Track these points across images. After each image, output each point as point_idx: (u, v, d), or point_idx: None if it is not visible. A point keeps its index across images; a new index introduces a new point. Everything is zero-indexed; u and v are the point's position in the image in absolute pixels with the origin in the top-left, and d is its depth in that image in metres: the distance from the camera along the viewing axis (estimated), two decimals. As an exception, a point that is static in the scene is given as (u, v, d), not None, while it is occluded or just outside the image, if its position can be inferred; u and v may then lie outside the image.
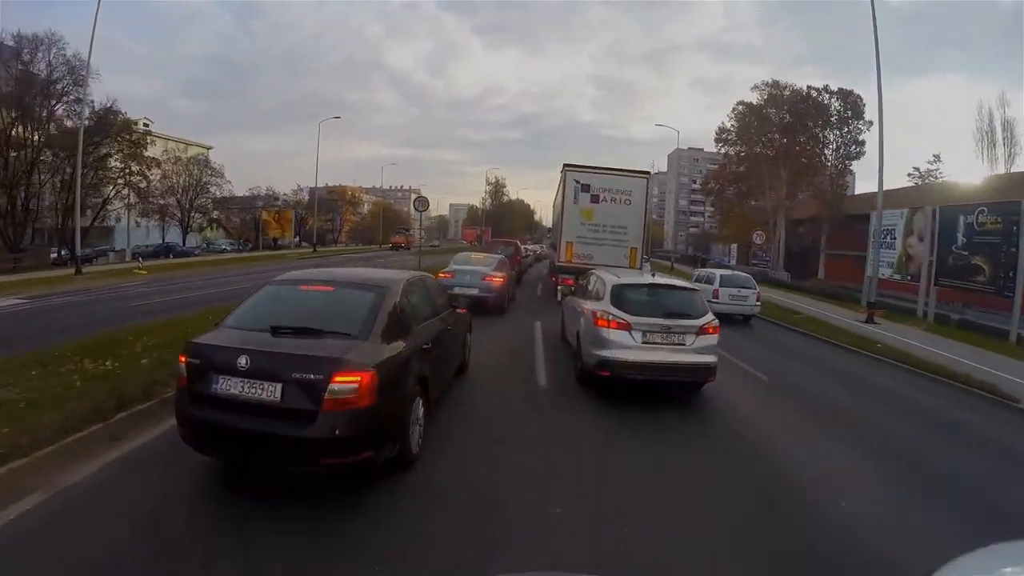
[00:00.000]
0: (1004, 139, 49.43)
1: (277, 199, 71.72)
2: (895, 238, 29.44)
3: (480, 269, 17.07)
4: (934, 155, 69.00)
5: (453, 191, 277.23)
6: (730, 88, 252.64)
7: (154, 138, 49.15)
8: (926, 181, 53.91)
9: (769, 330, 19.25)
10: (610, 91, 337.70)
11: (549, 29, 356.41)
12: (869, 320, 21.40)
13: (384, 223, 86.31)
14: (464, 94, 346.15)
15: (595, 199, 18.80)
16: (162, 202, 53.85)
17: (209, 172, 58.95)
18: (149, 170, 45.93)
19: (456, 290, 14.31)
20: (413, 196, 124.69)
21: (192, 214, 58.01)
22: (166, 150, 54.15)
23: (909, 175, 59.04)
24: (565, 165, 19.08)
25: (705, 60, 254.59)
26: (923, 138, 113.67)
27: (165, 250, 50.84)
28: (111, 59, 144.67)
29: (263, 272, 26.42)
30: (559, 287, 17.46)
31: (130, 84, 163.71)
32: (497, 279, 16.87)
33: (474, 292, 15.78)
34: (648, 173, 19.97)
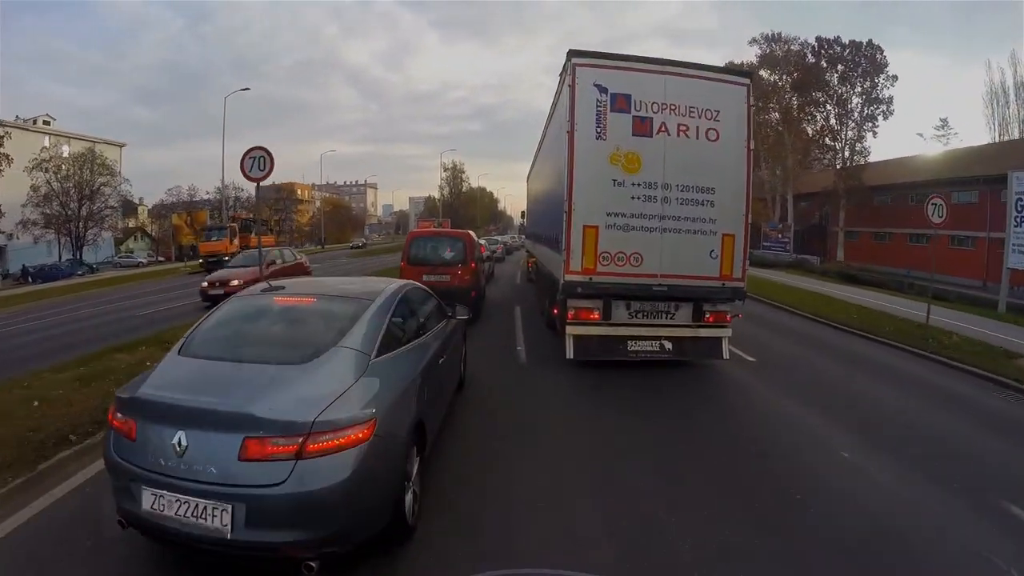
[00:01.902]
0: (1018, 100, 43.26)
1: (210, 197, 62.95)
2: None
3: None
4: (941, 119, 61.74)
5: (416, 185, 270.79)
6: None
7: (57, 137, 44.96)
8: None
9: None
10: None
11: (504, 21, 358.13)
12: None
13: (334, 221, 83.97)
14: (423, 88, 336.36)
15: (643, 127, 8.21)
16: (46, 212, 44.48)
17: (101, 171, 47.82)
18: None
19: None
20: (370, 191, 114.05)
21: (83, 224, 47.58)
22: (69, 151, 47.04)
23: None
24: (571, 53, 8.26)
25: (662, 46, 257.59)
26: (921, 105, 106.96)
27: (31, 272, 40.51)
28: (63, 71, 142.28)
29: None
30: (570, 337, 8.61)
31: (83, 95, 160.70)
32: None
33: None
34: (750, 75, 9.20)
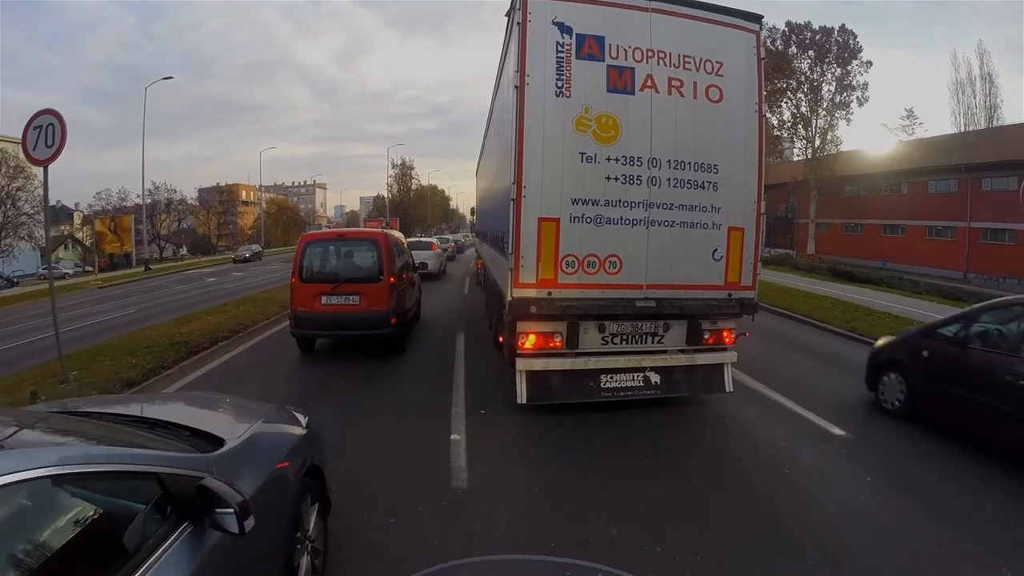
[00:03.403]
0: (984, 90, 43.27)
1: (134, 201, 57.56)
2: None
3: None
4: (907, 109, 60.96)
5: (369, 185, 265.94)
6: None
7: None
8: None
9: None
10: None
11: (461, 18, 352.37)
12: None
13: (279, 224, 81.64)
14: (376, 87, 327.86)
15: (622, 81, 5.92)
16: None
17: (14, 174, 42.49)
18: None
19: None
20: (319, 192, 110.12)
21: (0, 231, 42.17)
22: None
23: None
24: None
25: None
26: (884, 97, 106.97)
27: None
28: (7, 71, 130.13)
29: None
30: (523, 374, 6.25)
31: (32, 96, 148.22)
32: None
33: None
34: (760, 19, 6.91)
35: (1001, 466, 5.22)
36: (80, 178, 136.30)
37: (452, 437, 5.65)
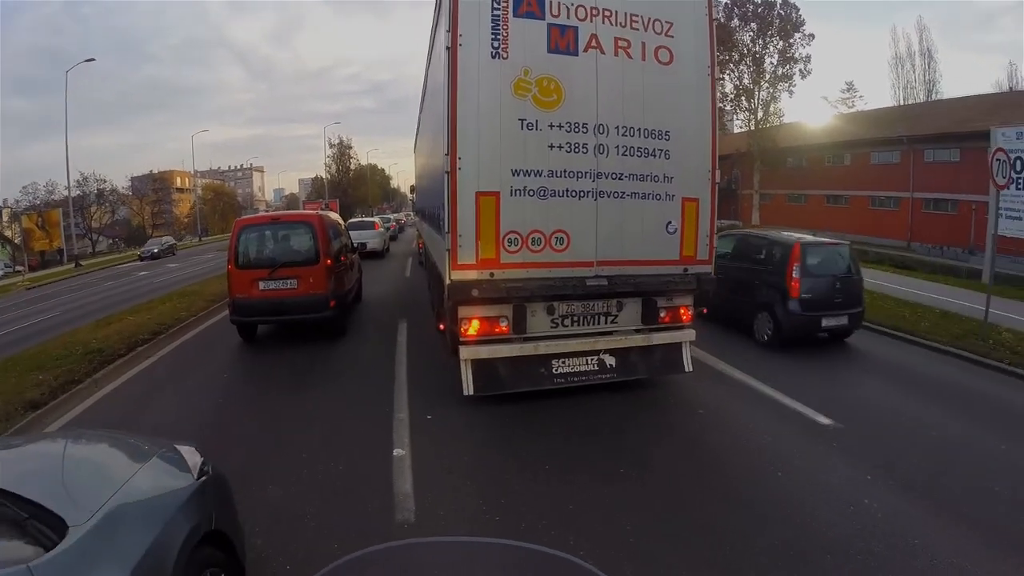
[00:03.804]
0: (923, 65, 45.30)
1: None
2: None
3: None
4: (847, 83, 61.88)
5: (308, 166, 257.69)
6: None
7: None
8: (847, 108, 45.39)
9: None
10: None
11: None
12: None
13: (217, 210, 78.38)
14: (314, 65, 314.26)
15: (564, 41, 5.44)
16: None
17: None
18: None
19: None
20: (256, 175, 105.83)
21: None
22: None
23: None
24: None
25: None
26: (827, 70, 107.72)
27: None
28: None
29: None
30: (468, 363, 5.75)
31: None
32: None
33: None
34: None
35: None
36: (9, 172, 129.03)
37: (395, 452, 4.88)
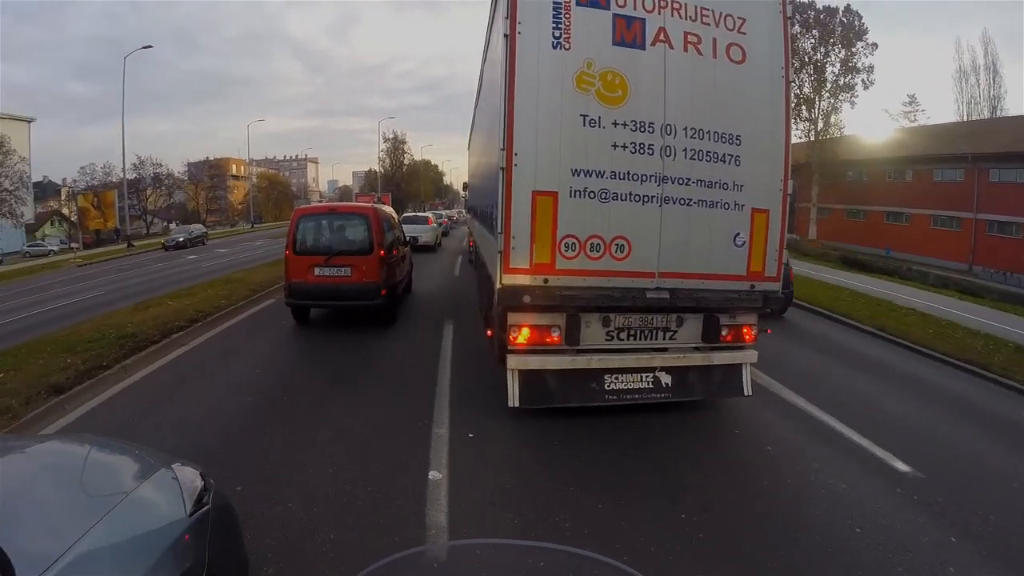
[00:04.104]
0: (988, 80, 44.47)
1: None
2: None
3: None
4: (909, 96, 59.61)
5: (362, 160, 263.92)
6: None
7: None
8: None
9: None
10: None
11: None
12: None
13: (270, 198, 79.94)
14: (370, 61, 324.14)
15: (631, 33, 4.99)
16: None
17: None
18: None
19: None
20: (311, 166, 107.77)
21: None
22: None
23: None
24: None
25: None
26: (886, 82, 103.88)
27: None
28: None
29: None
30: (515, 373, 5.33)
31: (14, 69, 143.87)
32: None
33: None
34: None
35: None
36: (69, 154, 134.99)
37: (431, 475, 4.40)
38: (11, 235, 45.19)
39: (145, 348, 7.73)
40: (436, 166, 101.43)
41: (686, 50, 5.12)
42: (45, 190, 62.17)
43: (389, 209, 12.55)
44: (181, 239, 39.90)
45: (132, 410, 5.77)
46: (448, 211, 53.97)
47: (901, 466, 4.96)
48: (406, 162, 77.37)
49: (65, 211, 58.64)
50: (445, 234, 31.97)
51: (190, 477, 2.48)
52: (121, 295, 15.41)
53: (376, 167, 75.78)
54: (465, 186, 21.57)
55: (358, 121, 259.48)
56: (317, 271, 9.01)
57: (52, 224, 59.32)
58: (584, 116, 4.82)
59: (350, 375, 6.92)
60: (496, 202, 5.05)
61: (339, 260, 9.05)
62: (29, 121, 51.07)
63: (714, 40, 5.19)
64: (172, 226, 65.51)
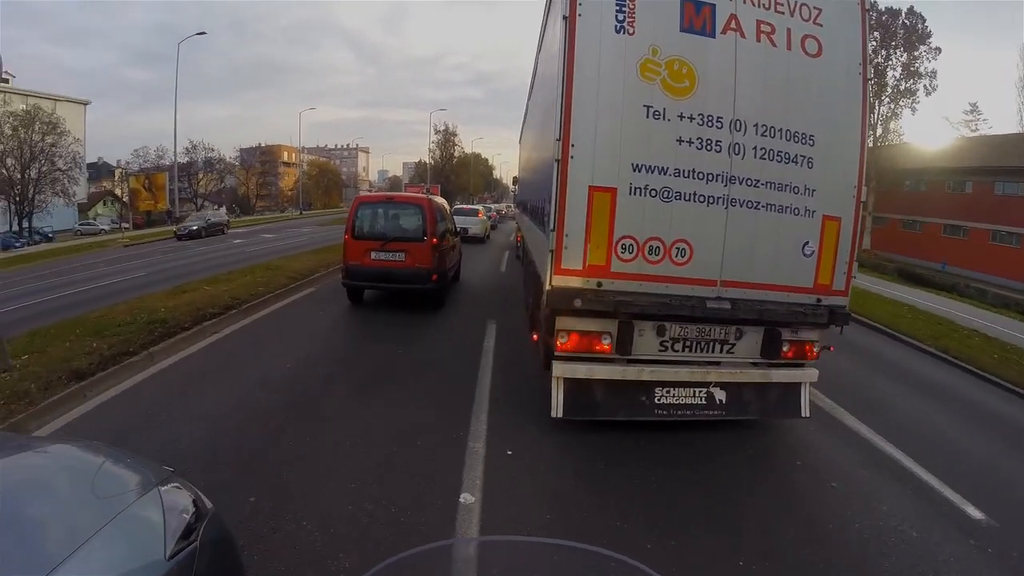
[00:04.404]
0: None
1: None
2: None
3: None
4: (971, 104, 57.12)
5: (413, 151, 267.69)
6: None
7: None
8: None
9: None
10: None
11: None
12: None
13: (320, 186, 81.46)
14: (423, 53, 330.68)
15: (700, 20, 4.59)
16: None
17: (45, 129, 41.47)
18: None
19: None
20: (362, 155, 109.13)
21: (31, 188, 41.28)
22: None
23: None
24: None
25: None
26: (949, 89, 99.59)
27: None
28: (50, 30, 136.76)
29: None
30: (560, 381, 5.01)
31: (74, 56, 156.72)
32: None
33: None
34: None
35: None
36: (126, 136, 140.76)
37: (462, 498, 4.00)
38: (63, 213, 46.36)
39: (175, 335, 7.53)
40: (486, 159, 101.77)
41: (759, 40, 4.71)
42: (100, 171, 63.84)
43: (442, 201, 13.29)
44: (195, 227, 34.32)
45: (152, 401, 5.55)
46: (496, 205, 53.78)
47: (974, 512, 4.45)
48: (456, 154, 77.64)
49: (118, 191, 60.18)
50: (493, 227, 32.43)
51: (180, 504, 2.05)
52: (159, 277, 15.39)
53: (426, 158, 76.36)
54: (515, 180, 21.33)
55: (409, 112, 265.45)
56: (373, 255, 9.67)
57: (105, 204, 60.95)
58: (648, 107, 4.45)
59: (384, 376, 6.57)
60: (549, 196, 4.70)
61: (394, 245, 9.69)
62: (85, 104, 52.64)
63: (788, 31, 4.77)
64: (220, 210, 66.77)
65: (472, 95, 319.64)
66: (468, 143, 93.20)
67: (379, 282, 9.95)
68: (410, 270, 9.60)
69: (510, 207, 45.24)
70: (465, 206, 31.15)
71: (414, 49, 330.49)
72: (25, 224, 42.22)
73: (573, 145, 4.38)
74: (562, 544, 1.44)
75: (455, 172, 75.81)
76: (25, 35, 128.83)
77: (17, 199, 41.03)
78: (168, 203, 52.05)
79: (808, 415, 5.40)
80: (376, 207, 10.52)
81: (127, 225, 46.29)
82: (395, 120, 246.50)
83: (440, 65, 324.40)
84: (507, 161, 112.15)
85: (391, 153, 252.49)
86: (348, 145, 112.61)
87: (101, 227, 49.89)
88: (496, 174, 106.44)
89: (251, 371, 6.56)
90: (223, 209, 52.68)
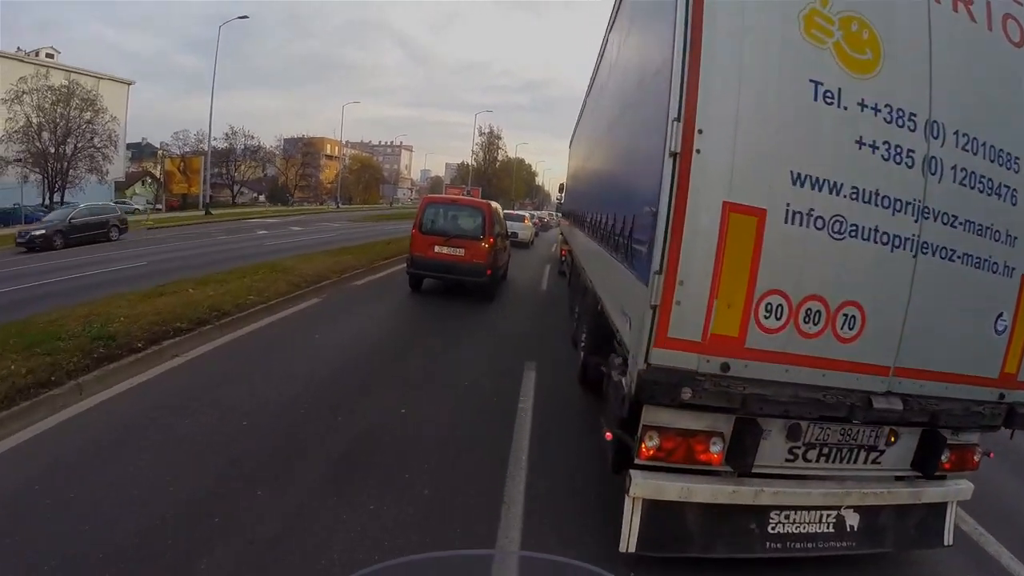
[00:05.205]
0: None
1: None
2: None
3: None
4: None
5: (456, 152, 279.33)
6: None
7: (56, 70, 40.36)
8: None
9: None
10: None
11: None
12: None
13: (361, 180, 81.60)
14: (471, 57, 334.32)
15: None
16: (30, 148, 38.15)
17: (83, 106, 40.72)
18: None
19: None
20: (404, 153, 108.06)
21: (66, 163, 40.51)
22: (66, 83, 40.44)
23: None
24: None
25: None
26: None
27: None
28: (108, 13, 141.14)
29: None
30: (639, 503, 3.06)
31: (131, 40, 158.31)
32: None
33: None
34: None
35: None
36: (173, 120, 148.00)
37: None
38: (97, 191, 44.27)
39: (120, 358, 5.73)
40: (529, 165, 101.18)
41: (955, 9, 3.09)
42: (143, 151, 63.21)
43: (497, 206, 14.52)
44: (40, 233, 20.84)
45: (24, 486, 3.73)
46: (539, 211, 53.70)
47: None
48: (499, 158, 76.80)
49: (156, 172, 59.33)
50: (537, 234, 33.10)
51: None
52: (158, 268, 13.81)
53: (469, 160, 76.10)
54: (561, 187, 19.63)
55: (454, 115, 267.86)
56: (436, 248, 11.04)
57: (143, 184, 59.86)
58: (817, 84, 2.79)
59: (370, 457, 4.54)
60: (648, 211, 3.01)
61: (456, 242, 11.07)
62: (128, 84, 52.48)
63: (988, 5, 3.15)
64: (260, 198, 64.97)
65: (519, 101, 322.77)
66: (512, 148, 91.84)
67: (440, 273, 11.29)
68: (468, 264, 10.93)
69: (552, 215, 44.02)
70: (513, 212, 32.19)
71: (463, 54, 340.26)
72: (57, 199, 40.48)
73: (700, 132, 2.68)
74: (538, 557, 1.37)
75: (497, 175, 75.37)
76: (86, 15, 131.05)
77: (51, 173, 40.12)
78: (200, 187, 50.82)
79: (951, 543, 3.76)
80: (442, 207, 12.01)
81: (160, 206, 46.48)
82: (440, 121, 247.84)
83: (488, 71, 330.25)
84: (550, 168, 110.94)
85: (434, 153, 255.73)
86: (392, 142, 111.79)
87: (135, 207, 48.37)
88: (539, 180, 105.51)
89: (194, 433, 4.61)
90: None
